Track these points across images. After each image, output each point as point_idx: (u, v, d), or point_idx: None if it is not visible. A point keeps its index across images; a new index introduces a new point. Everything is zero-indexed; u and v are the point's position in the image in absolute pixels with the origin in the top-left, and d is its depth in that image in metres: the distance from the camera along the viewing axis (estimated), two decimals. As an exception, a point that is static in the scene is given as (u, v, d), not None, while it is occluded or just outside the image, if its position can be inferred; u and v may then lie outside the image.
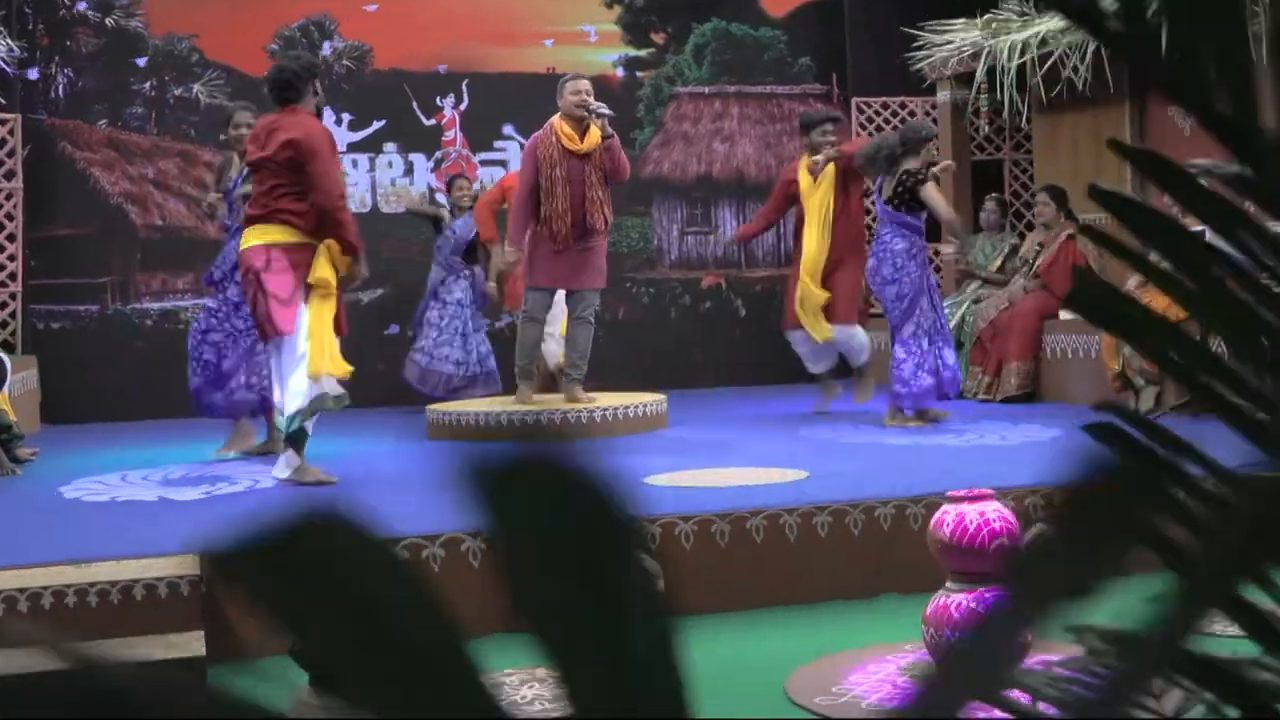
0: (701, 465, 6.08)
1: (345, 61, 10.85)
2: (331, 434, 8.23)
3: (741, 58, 11.53)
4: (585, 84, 7.57)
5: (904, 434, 7.13)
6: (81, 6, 10.39)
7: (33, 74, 10.17)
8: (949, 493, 3.85)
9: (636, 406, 7.74)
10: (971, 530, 3.66)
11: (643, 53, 11.42)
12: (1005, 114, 9.74)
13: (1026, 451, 6.27)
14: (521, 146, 8.44)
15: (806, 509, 4.90)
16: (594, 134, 7.50)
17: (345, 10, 10.84)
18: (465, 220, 9.42)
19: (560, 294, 7.96)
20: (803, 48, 11.63)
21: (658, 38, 11.44)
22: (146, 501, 5.71)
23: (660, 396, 8.06)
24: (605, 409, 7.62)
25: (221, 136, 7.92)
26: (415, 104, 10.90)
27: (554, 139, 7.51)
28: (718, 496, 5.11)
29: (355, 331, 10.65)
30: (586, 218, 7.52)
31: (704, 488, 5.38)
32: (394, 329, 10.47)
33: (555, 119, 7.58)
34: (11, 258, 9.74)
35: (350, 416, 9.47)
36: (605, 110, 7.50)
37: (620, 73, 11.38)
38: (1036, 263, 9.06)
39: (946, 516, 3.75)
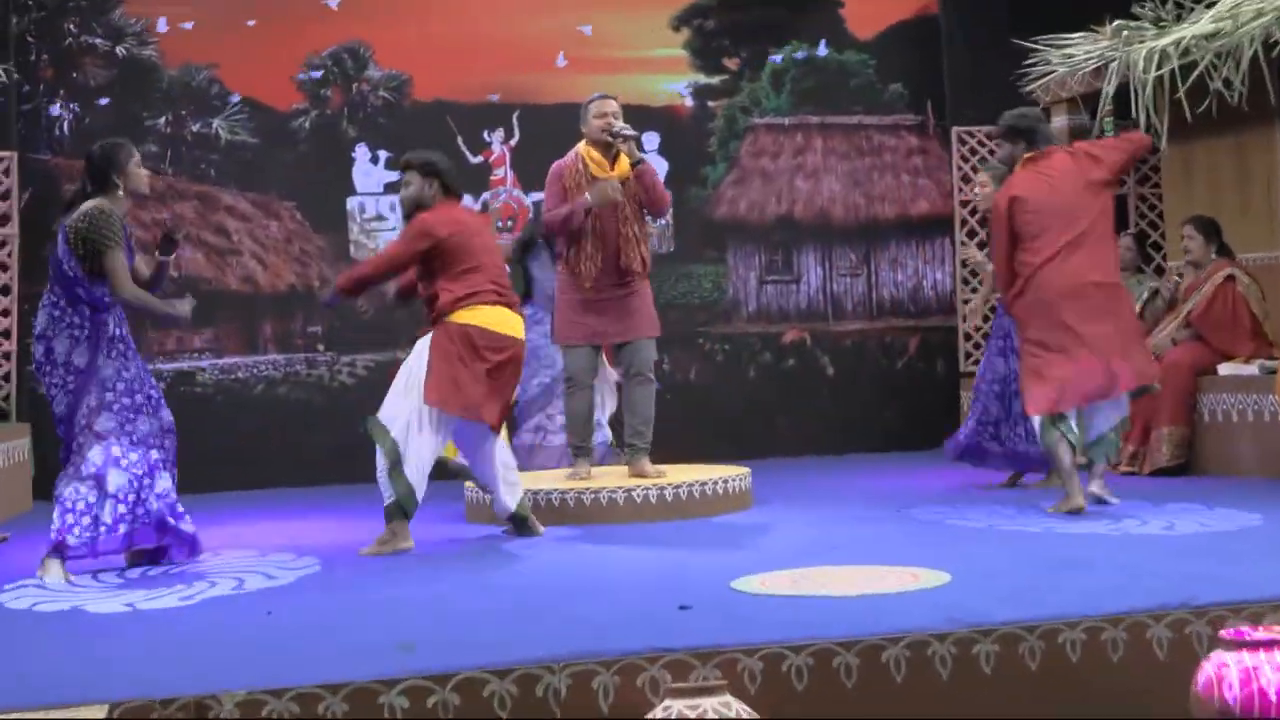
0: (804, 561, 4.74)
1: (382, 93, 9.70)
2: (363, 510, 6.97)
3: (825, 84, 10.28)
4: (612, 105, 6.60)
5: (1060, 520, 5.74)
6: (89, 36, 9.30)
7: (27, 108, 9.09)
8: (1224, 633, 2.49)
9: (715, 482, 6.42)
10: (1274, 696, 2.31)
11: (714, 80, 10.20)
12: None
13: (1239, 544, 4.84)
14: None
15: (964, 634, 3.53)
16: (624, 162, 6.48)
17: (382, 36, 9.69)
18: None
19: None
20: (894, 72, 10.36)
21: (731, 63, 10.23)
22: (91, 614, 4.42)
23: (743, 470, 6.74)
24: (678, 486, 6.31)
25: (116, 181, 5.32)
26: (460, 139, 9.73)
27: (581, 166, 6.49)
28: (837, 612, 3.77)
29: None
30: (620, 258, 6.43)
31: (815, 597, 4.04)
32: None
33: (581, 146, 6.60)
34: (5, 313, 8.61)
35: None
36: (629, 131, 6.47)
37: (690, 102, 10.16)
38: (1187, 308, 7.68)
39: (1227, 672, 2.42)
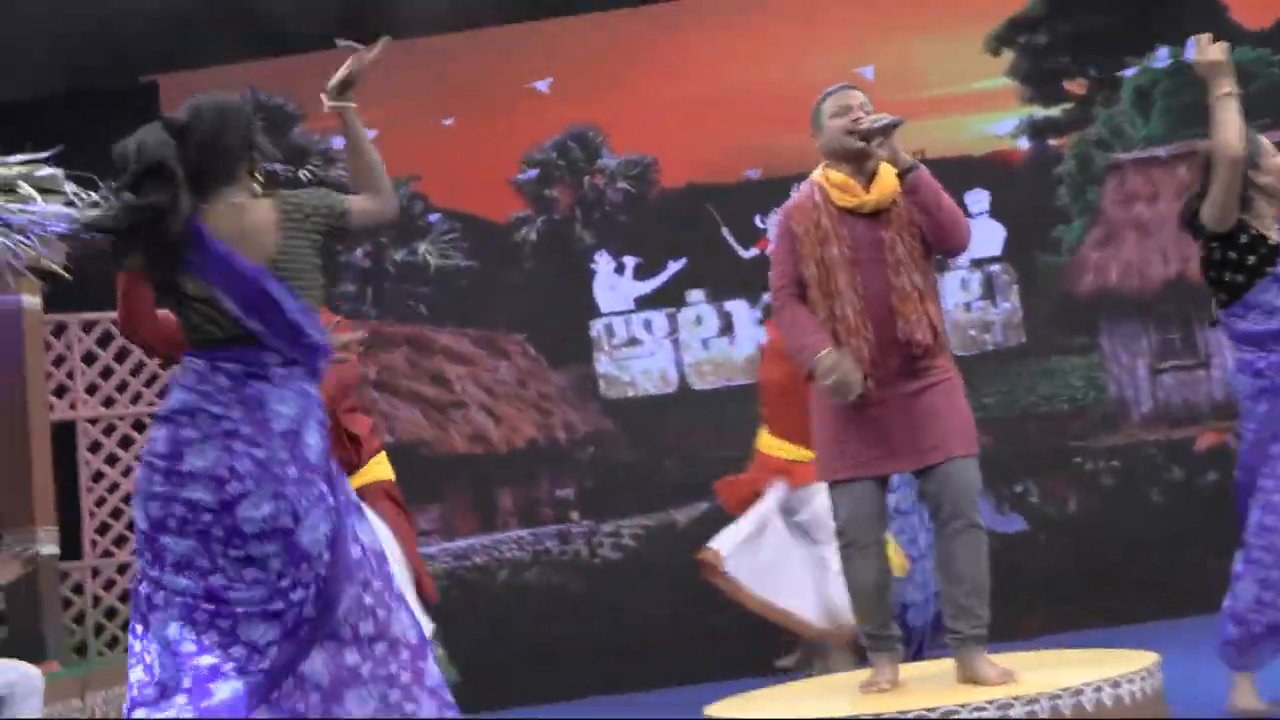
0: None
1: (621, 184, 7.69)
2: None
3: (1211, 95, 7.60)
4: (857, 96, 4.14)
5: None
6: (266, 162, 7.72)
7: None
8: None
9: (1099, 688, 3.79)
10: None
11: (1055, 110, 7.72)
12: None
13: None
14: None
15: None
16: (887, 176, 4.08)
17: (613, 115, 7.70)
18: None
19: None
20: (1310, 66, 7.60)
21: (1075, 86, 7.71)
22: None
23: (1147, 661, 4.06)
24: (1034, 700, 3.72)
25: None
26: (726, 230, 7.60)
27: (817, 199, 4.10)
28: None
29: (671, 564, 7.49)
30: (898, 322, 3.98)
31: None
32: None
33: (817, 171, 4.16)
34: None
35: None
36: (888, 119, 4.02)
37: (1024, 144, 7.69)
38: None
39: None
